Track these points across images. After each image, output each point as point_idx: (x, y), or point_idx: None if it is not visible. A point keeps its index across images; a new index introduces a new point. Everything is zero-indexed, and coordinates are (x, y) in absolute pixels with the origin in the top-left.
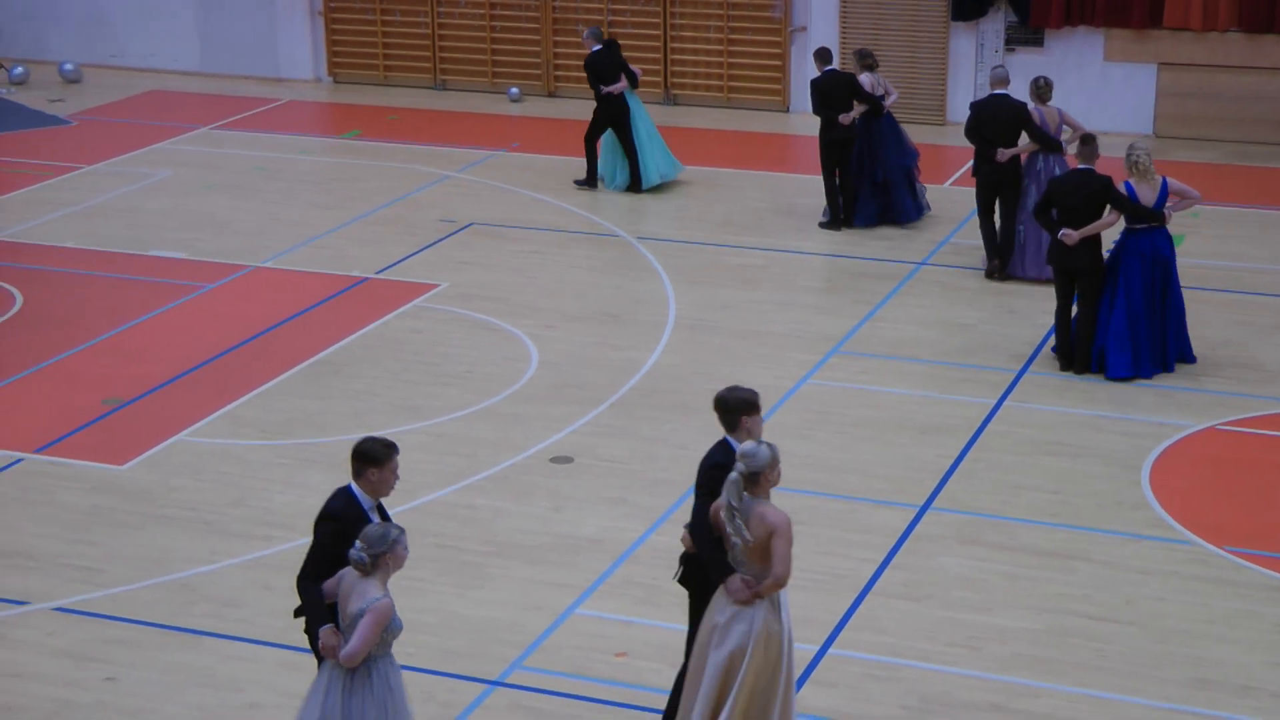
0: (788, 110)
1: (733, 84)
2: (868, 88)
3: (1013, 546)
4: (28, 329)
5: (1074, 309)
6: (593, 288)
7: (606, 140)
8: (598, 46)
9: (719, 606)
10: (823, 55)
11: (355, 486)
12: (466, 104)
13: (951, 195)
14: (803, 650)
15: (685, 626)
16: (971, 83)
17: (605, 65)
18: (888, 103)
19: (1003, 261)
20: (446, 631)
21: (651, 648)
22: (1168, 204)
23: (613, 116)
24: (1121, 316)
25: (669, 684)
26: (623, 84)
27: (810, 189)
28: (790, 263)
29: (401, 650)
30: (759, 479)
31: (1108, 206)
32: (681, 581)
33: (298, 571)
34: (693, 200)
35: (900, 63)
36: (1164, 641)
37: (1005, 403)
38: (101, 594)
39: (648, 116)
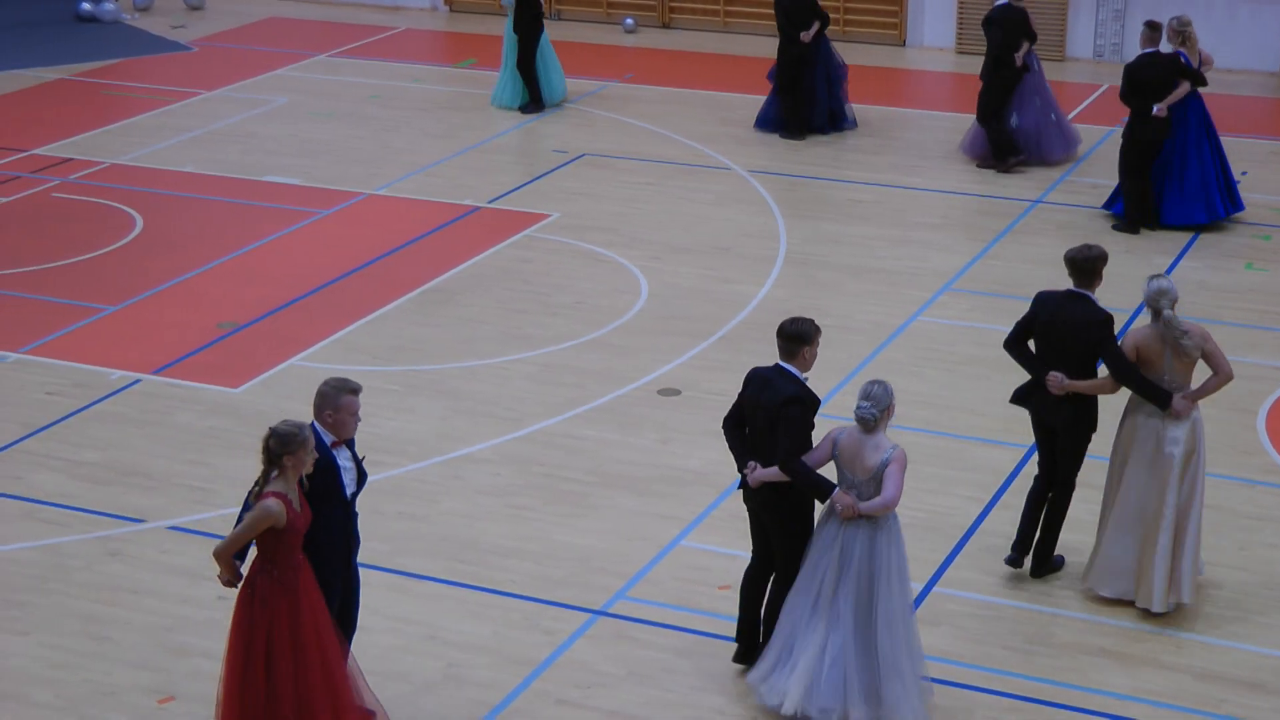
0: (904, 44)
1: (849, 16)
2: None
3: None
4: (147, 252)
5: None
6: (703, 220)
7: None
8: None
9: (1153, 434)
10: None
11: (789, 365)
12: (581, 34)
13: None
14: None
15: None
16: (1093, 19)
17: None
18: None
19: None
20: (550, 560)
21: None
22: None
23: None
24: (1212, 161)
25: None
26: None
27: (923, 124)
28: (902, 198)
29: (505, 577)
30: (1175, 305)
31: (1176, 80)
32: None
33: (783, 454)
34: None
35: None
36: (1275, 588)
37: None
38: (215, 514)
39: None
